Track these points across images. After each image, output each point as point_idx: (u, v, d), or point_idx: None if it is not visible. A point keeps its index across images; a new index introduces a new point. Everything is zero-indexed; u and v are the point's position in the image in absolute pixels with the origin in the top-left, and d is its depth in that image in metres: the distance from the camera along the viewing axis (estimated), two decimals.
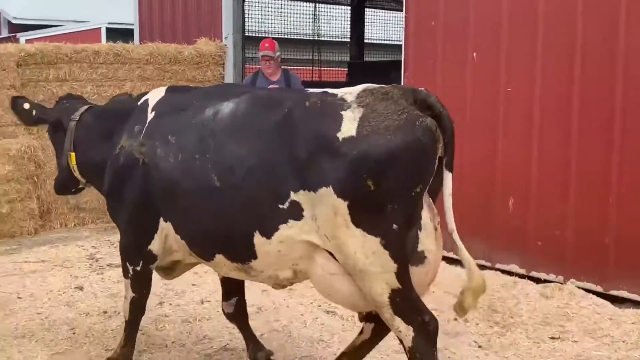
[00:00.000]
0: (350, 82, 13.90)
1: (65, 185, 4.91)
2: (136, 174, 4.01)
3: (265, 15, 11.55)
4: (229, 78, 9.73)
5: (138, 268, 4.24)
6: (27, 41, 18.14)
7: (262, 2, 11.73)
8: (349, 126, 3.30)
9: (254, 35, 10.71)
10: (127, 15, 22.92)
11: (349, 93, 3.46)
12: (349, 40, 14.24)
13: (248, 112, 3.69)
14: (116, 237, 8.16)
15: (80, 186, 4.88)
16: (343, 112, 3.35)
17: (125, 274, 4.33)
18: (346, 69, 14.42)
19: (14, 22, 25.45)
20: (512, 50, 6.52)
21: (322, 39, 13.25)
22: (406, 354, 3.44)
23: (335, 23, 14.03)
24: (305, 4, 12.68)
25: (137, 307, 4.42)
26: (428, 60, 7.14)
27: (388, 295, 3.33)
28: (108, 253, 7.52)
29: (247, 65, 10.35)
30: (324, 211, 3.34)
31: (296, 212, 3.44)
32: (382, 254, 3.30)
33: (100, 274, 6.68)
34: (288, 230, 3.48)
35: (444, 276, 6.43)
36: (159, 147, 3.92)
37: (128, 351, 4.46)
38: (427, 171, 3.35)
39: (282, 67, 8.24)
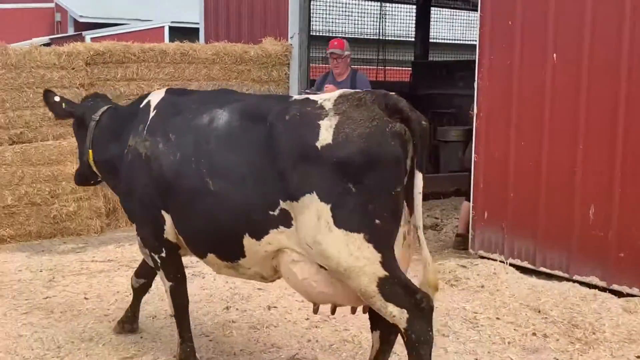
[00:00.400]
0: (414, 82, 13.66)
1: (86, 176, 5.10)
2: (141, 167, 4.28)
3: (330, 14, 11.39)
4: (294, 78, 9.62)
5: (163, 255, 4.40)
6: (92, 39, 18.45)
7: (327, 2, 11.59)
8: (325, 134, 3.56)
9: (319, 34, 10.55)
10: (190, 14, 23.14)
11: (327, 100, 3.72)
12: (413, 39, 14.01)
13: (239, 122, 3.95)
14: None
15: (99, 179, 5.07)
16: (320, 122, 3.60)
17: (155, 265, 4.51)
18: (410, 68, 14.17)
19: (80, 20, 25.93)
20: (595, 51, 6.19)
21: (387, 38, 13.03)
22: (402, 337, 3.56)
23: (400, 22, 13.79)
24: (370, 3, 12.49)
25: (178, 296, 4.51)
26: (504, 61, 6.86)
27: (376, 284, 3.51)
28: None
29: (312, 65, 10.20)
30: (307, 218, 3.58)
31: (286, 219, 3.70)
32: (366, 248, 3.51)
33: None
34: (278, 235, 3.75)
35: (519, 288, 6.20)
36: (161, 143, 4.19)
37: (188, 346, 4.50)
38: (401, 172, 3.59)
39: (352, 67, 8.05)
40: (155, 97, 4.51)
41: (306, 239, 3.61)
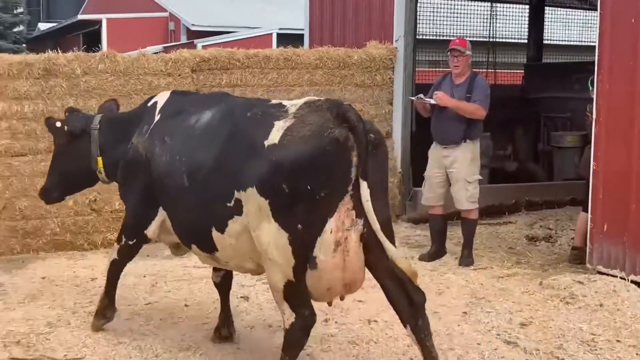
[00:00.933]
0: (526, 85, 13.07)
1: (58, 191, 5.50)
2: (141, 166, 4.66)
3: (437, 16, 11.05)
4: (399, 82, 9.34)
5: (131, 243, 4.92)
6: (203, 47, 18.85)
7: (434, 3, 11.24)
8: (275, 135, 3.86)
9: (425, 38, 10.23)
10: (298, 20, 23.30)
11: (294, 105, 4.01)
12: (526, 41, 13.41)
13: (213, 121, 4.32)
14: None
15: (67, 195, 5.65)
16: (275, 122, 3.90)
17: (119, 240, 5.00)
18: (522, 71, 13.59)
19: (192, 29, 26.68)
20: None
21: (498, 40, 12.54)
22: (284, 332, 4.05)
23: (512, 23, 13.24)
24: (480, 3, 12.04)
25: (116, 269, 5.12)
26: (627, 62, 6.33)
27: (284, 284, 3.93)
28: None
29: (418, 69, 9.88)
30: (251, 207, 3.94)
31: (239, 208, 4.02)
32: (287, 249, 3.85)
33: (265, 284, 6.48)
34: (234, 225, 4.08)
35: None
36: (158, 146, 4.56)
37: (109, 302, 5.16)
38: (333, 179, 3.81)
39: (473, 70, 7.63)
40: (161, 100, 4.89)
41: (251, 224, 3.98)
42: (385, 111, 9.37)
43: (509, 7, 13.51)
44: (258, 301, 6.01)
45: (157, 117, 4.75)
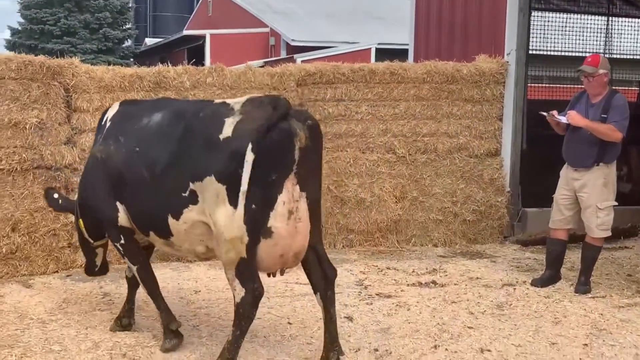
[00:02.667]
0: None
1: (93, 262, 5.76)
2: (98, 169, 5.08)
3: (549, 31, 10.58)
4: (510, 97, 8.98)
5: (123, 242, 5.14)
6: (302, 62, 18.93)
7: (546, 17, 10.78)
8: (227, 129, 4.40)
9: (537, 52, 9.80)
10: (397, 35, 23.09)
11: (238, 103, 4.56)
12: None
13: (165, 122, 4.80)
14: (384, 263, 7.90)
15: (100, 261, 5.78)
16: (226, 119, 4.44)
17: (120, 254, 5.27)
18: (638, 88, 12.85)
19: (292, 44, 26.94)
20: None
21: (614, 55, 11.90)
22: (235, 307, 4.50)
23: (629, 39, 12.54)
24: (595, 18, 11.47)
25: (145, 275, 5.24)
26: None
27: (237, 261, 4.40)
28: (377, 280, 7.16)
29: (530, 85, 9.46)
30: (209, 194, 4.43)
31: (194, 198, 4.52)
32: (241, 228, 4.33)
33: (369, 304, 6.31)
34: (189, 213, 4.57)
35: None
36: (112, 145, 5.02)
37: (167, 315, 5.18)
38: (281, 162, 4.36)
39: (613, 87, 7.10)
40: (111, 111, 5.34)
41: (208, 209, 4.45)
42: (494, 127, 9.03)
43: (626, 22, 12.82)
44: (362, 322, 5.81)
45: (108, 125, 5.23)
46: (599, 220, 6.73)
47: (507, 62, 9.02)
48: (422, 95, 8.85)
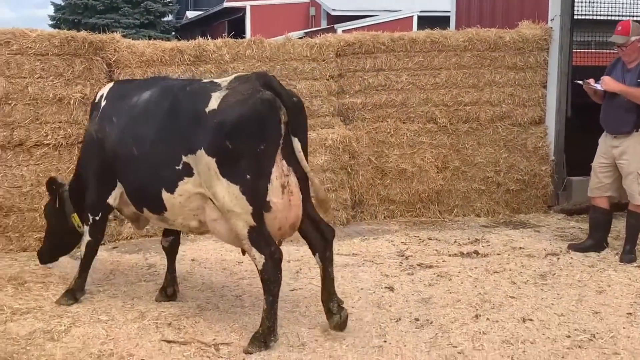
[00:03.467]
0: None
1: (56, 250, 6.09)
2: (95, 147, 5.27)
3: None
4: (554, 64, 8.79)
5: (97, 218, 5.39)
6: (343, 32, 18.80)
7: None
8: (213, 102, 4.56)
9: (582, 18, 9.53)
10: (440, 2, 22.73)
11: (225, 80, 4.72)
12: None
13: (153, 99, 4.97)
14: (426, 233, 7.88)
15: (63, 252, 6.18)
16: (212, 93, 4.60)
17: (86, 221, 5.45)
18: None
19: (333, 14, 26.75)
20: None
21: None
22: (259, 274, 4.60)
23: None
24: None
25: (91, 250, 5.51)
26: None
27: (247, 230, 4.53)
28: (418, 251, 7.15)
29: (575, 51, 9.23)
30: (202, 167, 4.57)
31: (188, 170, 4.66)
32: (241, 198, 4.47)
33: (410, 275, 6.32)
34: (184, 185, 4.70)
35: None
36: (107, 126, 5.21)
37: (81, 283, 5.56)
38: (269, 133, 4.50)
39: None
40: (105, 90, 5.52)
41: (205, 183, 4.59)
42: (538, 95, 8.86)
43: None
44: (403, 292, 5.83)
45: (103, 104, 5.40)
46: (639, 188, 6.60)
47: (551, 28, 8.82)
48: (464, 64, 8.72)
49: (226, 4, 30.25)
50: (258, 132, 4.48)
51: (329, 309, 4.86)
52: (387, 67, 8.61)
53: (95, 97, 5.63)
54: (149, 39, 8.97)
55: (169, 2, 31.93)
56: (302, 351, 4.62)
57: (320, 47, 8.38)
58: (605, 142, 6.85)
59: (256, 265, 4.60)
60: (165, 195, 4.81)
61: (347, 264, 6.68)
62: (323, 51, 8.39)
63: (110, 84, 5.67)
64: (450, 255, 6.96)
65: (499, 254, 6.98)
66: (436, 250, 7.18)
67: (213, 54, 7.95)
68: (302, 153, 4.60)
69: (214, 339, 4.80)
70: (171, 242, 5.68)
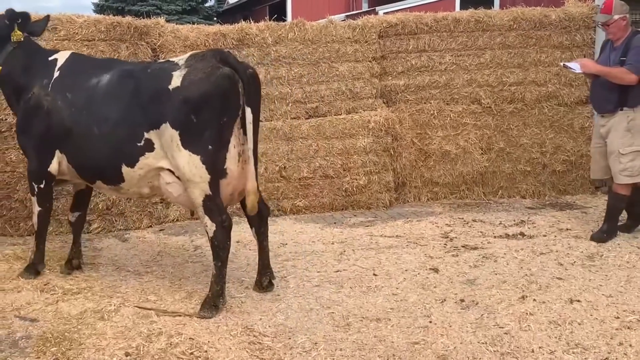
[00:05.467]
0: None
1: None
2: (41, 117, 5.37)
3: None
4: (601, 42, 8.56)
5: (42, 186, 5.56)
6: (384, 14, 18.63)
7: None
8: (176, 80, 4.88)
9: None
10: None
11: (181, 59, 5.05)
12: None
13: (115, 81, 5.19)
14: (470, 215, 7.82)
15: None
16: (173, 72, 4.93)
17: (32, 192, 5.64)
18: None
19: None
20: None
21: None
22: (209, 241, 4.98)
23: None
24: None
25: (43, 219, 5.71)
26: None
27: (202, 199, 4.89)
28: (462, 233, 7.10)
29: None
30: (166, 139, 4.90)
31: (149, 146, 4.99)
32: (201, 168, 4.82)
33: (455, 256, 6.28)
34: (145, 160, 5.03)
35: None
36: (59, 100, 5.33)
37: (40, 256, 5.77)
38: (230, 106, 4.88)
39: (636, 29, 6.80)
40: (60, 59, 5.55)
41: (169, 154, 4.91)
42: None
43: None
44: (448, 273, 5.80)
45: (56, 75, 5.46)
46: (621, 166, 6.54)
47: (598, 5, 8.60)
48: (509, 43, 8.60)
49: None
50: (220, 106, 4.83)
51: (259, 281, 5.41)
52: (430, 48, 8.54)
53: (46, 56, 5.63)
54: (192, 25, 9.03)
55: None
56: (348, 331, 4.64)
57: (362, 29, 8.35)
58: (596, 121, 6.91)
59: (207, 232, 4.96)
60: (125, 169, 5.11)
61: (391, 246, 6.67)
62: (365, 33, 8.35)
63: (66, 53, 5.67)
64: (495, 237, 6.90)
65: (545, 236, 6.89)
66: (481, 232, 7.12)
67: (255, 37, 7.98)
68: (252, 124, 4.90)
69: (260, 319, 4.85)
70: (78, 217, 5.98)
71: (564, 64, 6.90)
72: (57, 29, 7.10)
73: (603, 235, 6.67)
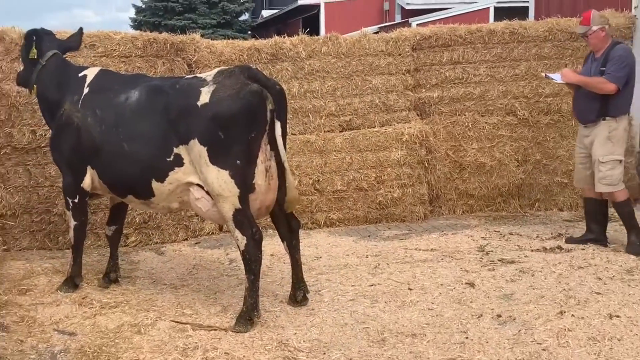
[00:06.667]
0: None
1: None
2: (72, 133, 5.48)
3: None
4: (637, 51, 8.43)
5: (76, 200, 5.65)
6: (418, 25, 18.62)
7: None
8: (204, 97, 4.94)
9: None
10: None
11: (209, 75, 5.10)
12: None
13: (144, 98, 5.25)
14: (506, 228, 7.75)
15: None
16: (201, 88, 4.98)
17: (67, 206, 5.74)
18: None
19: (407, 7, 26.50)
20: None
21: None
22: (241, 254, 5.01)
23: None
24: None
25: (79, 233, 5.78)
26: None
27: (232, 212, 4.94)
28: (499, 246, 7.03)
29: None
30: (194, 155, 4.96)
31: (179, 161, 5.06)
32: (230, 182, 4.88)
33: (491, 270, 6.22)
34: (175, 175, 5.11)
35: None
36: (89, 117, 5.42)
37: (77, 270, 5.84)
38: (258, 122, 4.93)
39: (616, 40, 6.91)
40: (89, 74, 5.66)
41: (197, 169, 4.98)
42: None
43: None
44: (484, 288, 5.74)
45: (86, 91, 5.55)
46: (601, 174, 6.57)
47: (635, 16, 8.51)
48: (544, 54, 8.53)
49: (301, 2, 30.43)
50: (248, 122, 4.88)
51: (294, 295, 5.41)
52: (465, 59, 8.51)
53: (76, 73, 5.74)
54: (226, 39, 9.12)
55: (245, 1, 32.35)
56: (383, 346, 4.62)
57: (396, 42, 8.35)
58: (579, 131, 6.91)
59: (238, 246, 5.00)
60: (155, 184, 5.18)
61: (426, 260, 6.63)
62: (399, 45, 8.36)
63: (95, 70, 5.77)
64: (532, 251, 6.82)
65: (583, 249, 6.78)
66: (518, 245, 7.04)
67: (289, 52, 8.03)
68: (281, 138, 4.99)
69: (295, 333, 4.85)
70: (115, 231, 6.07)
71: (545, 75, 7.05)
72: (95, 46, 7.23)
73: (637, 245, 6.59)
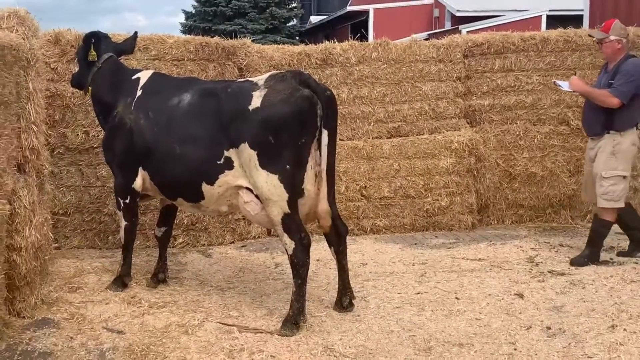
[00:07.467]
0: None
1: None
2: (125, 135, 5.57)
3: None
4: None
5: (127, 201, 5.73)
6: (468, 32, 18.46)
7: None
8: (256, 101, 4.96)
9: None
10: (570, 1, 21.87)
11: (261, 79, 5.13)
12: None
13: (196, 101, 5.32)
14: (557, 239, 7.61)
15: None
16: (253, 92, 5.01)
17: (118, 207, 5.84)
18: None
19: (457, 14, 26.33)
20: None
21: None
22: (289, 258, 5.01)
23: None
24: None
25: (129, 233, 5.88)
26: None
27: (281, 217, 4.95)
28: (549, 258, 6.90)
29: None
30: (245, 159, 4.99)
31: (229, 164, 5.10)
32: (279, 187, 4.89)
33: (541, 282, 6.10)
34: (224, 178, 5.14)
35: None
36: (142, 119, 5.51)
37: (126, 269, 5.93)
38: (308, 127, 4.93)
39: (630, 53, 6.72)
40: (142, 79, 5.75)
41: (247, 173, 5.01)
42: None
43: None
44: (534, 299, 5.64)
45: (139, 93, 5.64)
46: (602, 190, 6.41)
47: None
48: (599, 63, 8.31)
49: (349, 8, 30.48)
50: (299, 127, 4.89)
51: (340, 301, 5.39)
52: (517, 67, 8.39)
53: (129, 75, 5.86)
54: (275, 44, 9.18)
55: (294, 7, 32.55)
56: (429, 355, 4.57)
57: (447, 48, 8.29)
58: (588, 145, 6.79)
59: (286, 250, 5.01)
60: (205, 187, 5.22)
61: (474, 269, 6.55)
62: (450, 52, 8.29)
63: (148, 73, 5.87)
64: None
65: (636, 262, 6.62)
66: (568, 257, 6.90)
67: (339, 57, 8.04)
68: (327, 146, 5.01)
69: (341, 339, 4.83)
70: (164, 232, 6.14)
71: (554, 82, 6.91)
72: (149, 49, 7.34)
73: (584, 260, 6.55)
